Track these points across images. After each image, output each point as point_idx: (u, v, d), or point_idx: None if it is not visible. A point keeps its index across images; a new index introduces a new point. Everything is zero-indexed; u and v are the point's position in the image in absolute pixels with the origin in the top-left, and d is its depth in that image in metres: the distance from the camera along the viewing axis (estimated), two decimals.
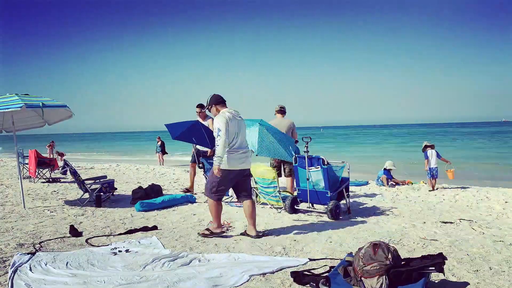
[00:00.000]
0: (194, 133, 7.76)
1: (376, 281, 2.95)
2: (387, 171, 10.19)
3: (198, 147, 7.94)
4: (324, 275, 3.22)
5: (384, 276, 2.95)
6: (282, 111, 7.55)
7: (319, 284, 3.04)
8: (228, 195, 7.42)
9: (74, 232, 4.89)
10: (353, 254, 3.35)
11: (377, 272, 2.97)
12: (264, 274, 3.42)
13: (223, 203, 7.14)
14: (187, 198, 7.22)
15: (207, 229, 4.83)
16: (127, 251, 4.16)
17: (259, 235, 4.70)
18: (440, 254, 3.16)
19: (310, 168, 6.04)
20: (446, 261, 3.14)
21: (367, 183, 10.31)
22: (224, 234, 4.86)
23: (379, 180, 10.15)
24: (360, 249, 3.26)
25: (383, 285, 2.93)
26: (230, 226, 5.23)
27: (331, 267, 3.48)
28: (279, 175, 7.28)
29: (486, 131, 61.04)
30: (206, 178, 7.55)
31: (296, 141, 7.34)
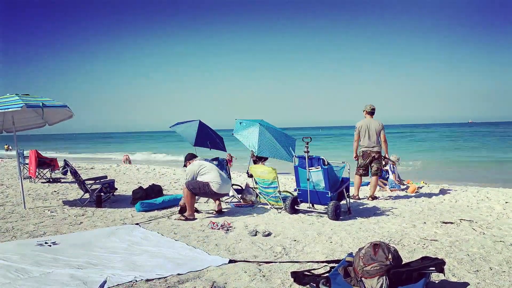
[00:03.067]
0: (206, 137, 7.79)
1: (376, 281, 2.95)
2: (384, 171, 9.78)
3: None
4: (325, 275, 3.22)
5: (384, 277, 2.95)
6: (372, 112, 7.62)
7: (319, 284, 3.04)
8: (228, 195, 7.42)
9: None
10: (353, 254, 3.35)
11: (377, 272, 2.97)
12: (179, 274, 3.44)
13: (223, 203, 7.18)
14: None
15: (183, 215, 5.78)
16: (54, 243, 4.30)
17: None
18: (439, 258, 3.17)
19: (310, 168, 6.04)
20: (446, 261, 3.14)
21: (367, 184, 10.29)
22: (224, 234, 4.87)
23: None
24: (360, 249, 3.26)
25: (383, 286, 2.93)
26: (231, 226, 5.24)
27: (331, 267, 3.48)
28: (366, 174, 7.52)
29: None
30: None
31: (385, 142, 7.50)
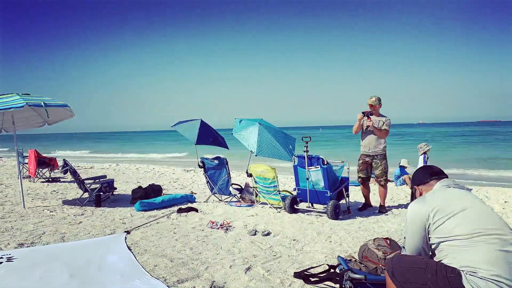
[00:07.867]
0: (208, 135, 7.85)
1: None
2: (403, 168, 9.69)
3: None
4: (338, 273, 3.17)
5: None
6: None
7: (344, 275, 2.94)
8: (229, 195, 7.43)
9: None
10: (344, 257, 3.36)
11: None
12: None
13: (223, 202, 7.16)
14: (187, 198, 7.24)
15: None
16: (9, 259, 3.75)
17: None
18: None
19: (309, 167, 6.04)
20: None
21: (359, 184, 10.24)
22: (224, 233, 4.87)
23: (400, 179, 9.54)
24: (363, 246, 3.35)
25: None
26: (230, 226, 5.24)
27: (330, 266, 3.45)
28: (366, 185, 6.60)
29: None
30: (206, 177, 7.55)
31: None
